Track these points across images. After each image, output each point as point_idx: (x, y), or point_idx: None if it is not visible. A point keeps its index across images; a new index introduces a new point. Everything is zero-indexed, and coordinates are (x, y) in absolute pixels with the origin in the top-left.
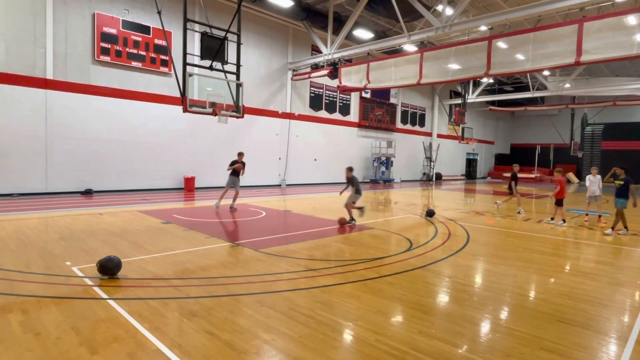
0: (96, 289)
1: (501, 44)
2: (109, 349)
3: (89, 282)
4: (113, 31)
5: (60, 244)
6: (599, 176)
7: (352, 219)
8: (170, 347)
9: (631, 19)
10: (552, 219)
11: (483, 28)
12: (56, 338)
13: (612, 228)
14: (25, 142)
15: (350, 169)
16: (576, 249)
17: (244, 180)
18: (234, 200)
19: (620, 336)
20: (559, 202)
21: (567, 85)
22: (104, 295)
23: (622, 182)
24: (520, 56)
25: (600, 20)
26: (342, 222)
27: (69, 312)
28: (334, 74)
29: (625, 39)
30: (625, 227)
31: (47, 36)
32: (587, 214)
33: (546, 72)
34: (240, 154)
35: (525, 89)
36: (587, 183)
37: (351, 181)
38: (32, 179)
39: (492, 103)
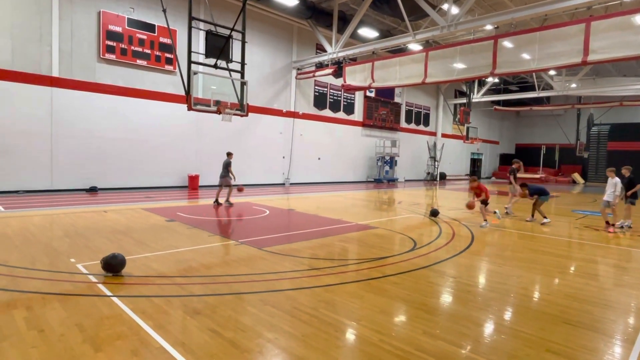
0: (100, 286)
1: (507, 43)
2: (113, 346)
3: (93, 279)
4: (118, 29)
5: (64, 241)
6: (616, 179)
7: (218, 201)
8: (173, 345)
9: (639, 19)
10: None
11: (489, 27)
12: (60, 335)
13: (544, 217)
14: (31, 139)
15: (229, 154)
16: (581, 249)
17: (248, 178)
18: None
19: (627, 338)
20: (484, 202)
21: (573, 85)
22: (108, 293)
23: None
24: (526, 55)
25: (608, 20)
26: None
27: (73, 309)
28: (338, 72)
29: (633, 38)
30: (542, 217)
31: (52, 34)
32: (613, 225)
33: (552, 72)
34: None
35: (531, 88)
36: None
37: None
38: (38, 177)
39: (497, 103)
